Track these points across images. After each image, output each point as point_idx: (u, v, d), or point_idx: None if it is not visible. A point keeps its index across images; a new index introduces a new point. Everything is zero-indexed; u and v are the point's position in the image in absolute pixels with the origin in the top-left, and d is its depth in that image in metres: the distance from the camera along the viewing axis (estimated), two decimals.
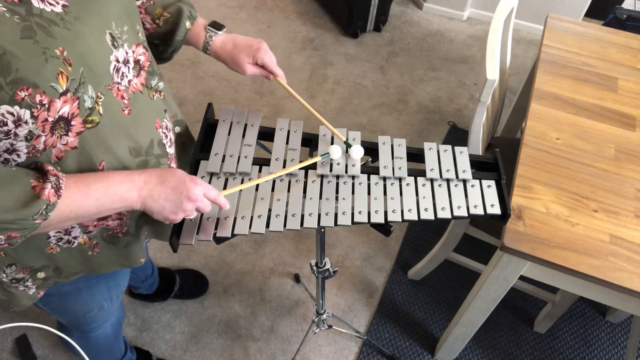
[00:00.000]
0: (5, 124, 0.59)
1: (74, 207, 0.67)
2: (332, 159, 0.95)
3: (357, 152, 0.96)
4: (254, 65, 0.96)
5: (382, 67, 2.60)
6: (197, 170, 0.94)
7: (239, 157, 0.95)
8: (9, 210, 0.60)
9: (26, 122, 0.61)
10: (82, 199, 0.68)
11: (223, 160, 0.95)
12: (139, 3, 0.89)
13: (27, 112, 0.60)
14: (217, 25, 0.95)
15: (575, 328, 1.70)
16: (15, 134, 0.61)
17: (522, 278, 1.15)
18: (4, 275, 0.81)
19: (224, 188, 0.92)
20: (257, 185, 0.93)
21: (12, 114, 0.59)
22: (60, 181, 0.66)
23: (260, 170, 0.95)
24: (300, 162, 0.95)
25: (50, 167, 0.65)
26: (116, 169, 0.76)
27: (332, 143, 1.00)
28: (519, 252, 1.02)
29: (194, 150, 0.97)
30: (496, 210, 0.92)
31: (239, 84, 2.42)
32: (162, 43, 0.94)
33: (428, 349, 1.63)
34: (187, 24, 0.92)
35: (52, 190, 0.64)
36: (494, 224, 1.39)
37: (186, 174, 0.77)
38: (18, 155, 0.65)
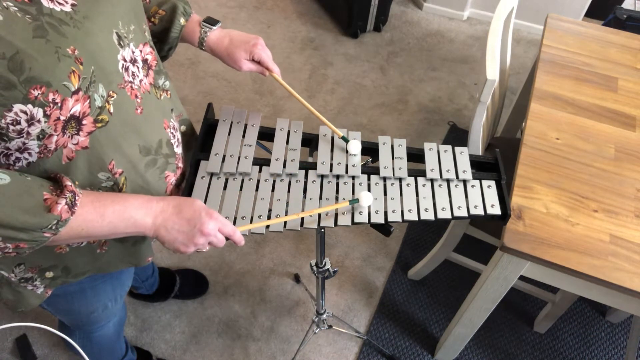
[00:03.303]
0: (19, 123, 0.60)
1: (86, 226, 0.67)
2: (360, 204, 0.89)
3: (355, 146, 0.96)
4: (250, 61, 0.96)
5: (382, 67, 2.60)
6: (197, 170, 0.94)
7: (239, 157, 0.95)
8: (17, 219, 0.60)
9: (39, 121, 0.61)
10: (96, 219, 0.68)
11: (223, 161, 0.95)
12: None
13: (40, 110, 0.60)
14: (211, 21, 0.95)
15: (575, 328, 1.70)
16: (28, 133, 0.61)
17: (522, 278, 1.15)
18: (13, 275, 0.81)
19: (224, 188, 0.92)
20: (258, 186, 0.93)
21: (25, 112, 0.59)
22: (77, 198, 0.66)
23: (260, 171, 0.95)
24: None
25: (68, 183, 0.66)
26: (126, 167, 0.76)
27: (332, 143, 1.00)
28: (519, 252, 1.02)
29: (194, 150, 0.97)
30: (496, 210, 0.92)
31: (239, 84, 2.42)
32: (159, 41, 0.94)
33: (428, 349, 1.63)
34: (182, 20, 0.92)
35: (66, 206, 0.64)
36: (494, 224, 1.39)
37: (204, 207, 0.76)
38: (30, 154, 0.65)
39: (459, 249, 1.61)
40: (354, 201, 0.88)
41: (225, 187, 0.92)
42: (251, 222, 0.87)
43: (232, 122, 1.01)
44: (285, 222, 0.87)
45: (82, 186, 0.73)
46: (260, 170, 0.95)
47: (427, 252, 1.71)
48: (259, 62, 0.96)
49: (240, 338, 1.61)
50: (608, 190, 1.14)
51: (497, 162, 0.99)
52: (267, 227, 0.86)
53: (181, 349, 1.58)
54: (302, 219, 0.88)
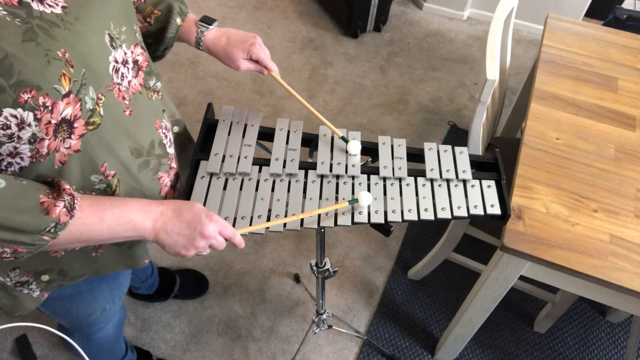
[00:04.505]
0: (9, 127, 0.59)
1: (85, 230, 0.67)
2: (359, 204, 0.89)
3: (354, 146, 0.96)
4: (248, 60, 0.95)
5: (382, 67, 2.60)
6: (197, 170, 0.94)
7: (239, 157, 0.95)
8: (14, 221, 0.60)
9: (29, 125, 0.60)
10: (95, 223, 0.68)
11: (223, 161, 0.95)
12: None
13: (30, 114, 0.59)
14: (208, 20, 0.94)
15: (575, 328, 1.70)
16: (19, 137, 0.61)
17: (522, 278, 1.15)
18: (8, 279, 0.80)
19: (224, 189, 0.92)
20: (257, 186, 0.93)
21: (15, 116, 0.58)
22: (75, 201, 0.66)
23: (260, 171, 0.95)
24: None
25: (66, 186, 0.65)
26: (118, 169, 0.76)
27: (331, 143, 1.00)
28: (519, 252, 1.02)
29: (194, 151, 0.97)
30: (496, 210, 0.92)
31: (239, 84, 2.42)
32: (155, 41, 0.93)
33: (428, 349, 1.63)
34: (178, 20, 0.92)
35: (64, 209, 0.64)
36: (494, 224, 1.39)
37: (203, 209, 0.75)
38: (21, 159, 0.64)
39: (459, 249, 1.61)
40: (354, 201, 0.88)
41: (225, 187, 0.92)
42: (251, 222, 0.87)
43: (232, 122, 1.01)
44: (285, 223, 0.87)
45: (75, 189, 0.73)
46: (260, 170, 0.95)
47: (427, 252, 1.71)
48: (257, 61, 0.95)
49: (240, 338, 1.61)
50: (608, 190, 1.14)
51: (497, 162, 0.99)
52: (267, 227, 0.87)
53: (181, 349, 1.58)
54: (302, 219, 0.88)
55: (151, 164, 0.82)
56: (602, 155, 1.22)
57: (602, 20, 2.30)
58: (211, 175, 0.93)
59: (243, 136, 1.00)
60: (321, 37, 2.73)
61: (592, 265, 1.00)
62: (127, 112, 0.75)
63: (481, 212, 0.92)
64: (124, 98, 0.74)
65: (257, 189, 0.92)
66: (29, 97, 0.58)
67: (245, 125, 1.01)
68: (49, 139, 0.64)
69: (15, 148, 0.62)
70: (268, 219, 0.88)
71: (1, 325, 0.67)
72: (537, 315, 1.71)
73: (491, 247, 1.32)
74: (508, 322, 1.70)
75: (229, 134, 1.00)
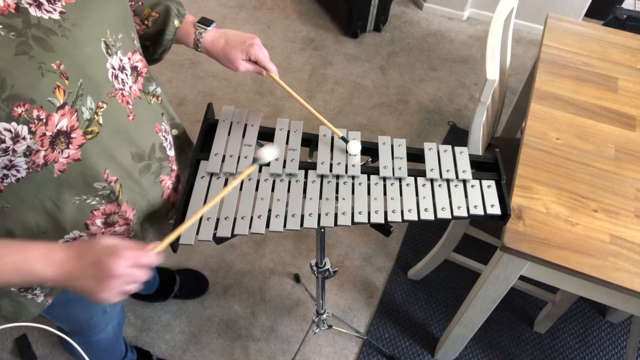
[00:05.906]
0: (4, 141, 0.59)
1: None
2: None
3: (354, 147, 0.96)
4: (246, 61, 0.94)
5: (382, 67, 2.60)
6: (197, 170, 0.94)
7: (239, 157, 0.95)
8: None
9: (24, 138, 0.60)
10: None
11: (223, 161, 0.95)
12: None
13: (25, 127, 0.59)
14: (206, 22, 0.94)
15: (575, 328, 1.70)
16: (14, 150, 0.60)
17: (522, 278, 1.15)
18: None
19: (224, 185, 0.92)
20: (258, 186, 0.93)
21: (9, 130, 0.58)
22: None
23: (260, 171, 0.95)
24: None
25: None
26: (120, 175, 0.76)
27: (331, 143, 1.00)
28: (519, 252, 1.02)
29: (194, 151, 0.97)
30: (496, 210, 0.92)
31: (239, 84, 2.42)
32: (153, 44, 0.93)
33: (428, 349, 1.63)
34: (176, 22, 0.91)
35: None
36: (494, 224, 1.39)
37: (108, 245, 0.66)
38: (17, 171, 0.64)
39: (459, 249, 1.61)
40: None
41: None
42: (251, 222, 0.87)
43: (232, 122, 1.01)
44: (285, 222, 0.87)
45: (78, 195, 0.72)
46: (260, 170, 0.95)
47: (427, 252, 1.71)
48: (255, 62, 0.95)
49: (240, 338, 1.61)
50: (608, 190, 1.14)
51: (497, 162, 0.99)
52: (267, 227, 0.86)
53: (181, 349, 1.58)
54: (302, 219, 0.88)
55: (152, 167, 0.82)
56: (602, 155, 1.22)
57: (602, 20, 2.30)
58: (211, 175, 0.93)
59: (243, 136, 1.00)
60: (321, 37, 2.73)
61: (592, 265, 1.00)
62: (131, 117, 0.75)
63: (481, 212, 0.92)
64: (127, 103, 0.74)
65: (257, 189, 0.92)
66: (22, 111, 0.58)
67: (245, 125, 1.01)
68: (45, 150, 0.63)
69: (11, 161, 0.62)
70: (268, 219, 0.88)
71: (1, 326, 0.67)
72: (537, 315, 1.71)
73: (491, 247, 1.32)
74: (508, 322, 1.70)
75: (229, 134, 1.00)
